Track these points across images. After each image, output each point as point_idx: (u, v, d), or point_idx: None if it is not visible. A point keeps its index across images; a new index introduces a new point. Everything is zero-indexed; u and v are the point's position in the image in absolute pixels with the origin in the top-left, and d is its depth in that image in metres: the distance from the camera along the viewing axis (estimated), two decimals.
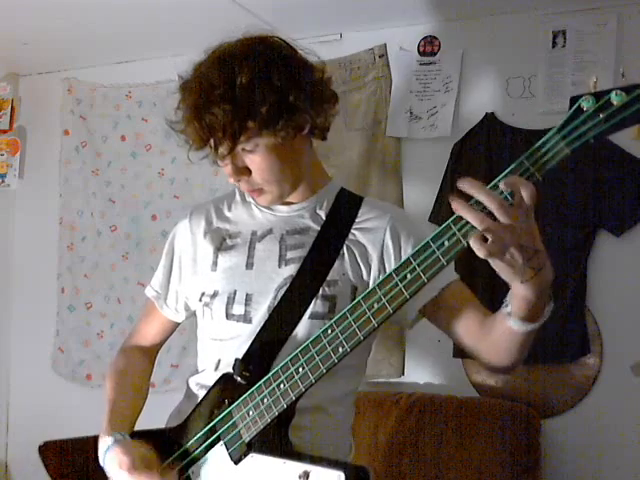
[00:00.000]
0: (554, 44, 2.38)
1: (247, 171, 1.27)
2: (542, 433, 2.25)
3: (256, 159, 1.25)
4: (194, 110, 1.22)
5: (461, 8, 2.43)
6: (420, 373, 2.49)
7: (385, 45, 2.57)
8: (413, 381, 2.47)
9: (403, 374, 2.49)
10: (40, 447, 1.41)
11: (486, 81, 2.48)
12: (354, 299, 1.28)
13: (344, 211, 1.36)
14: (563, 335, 2.28)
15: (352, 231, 1.33)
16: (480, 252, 0.95)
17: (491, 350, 1.22)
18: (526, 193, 0.94)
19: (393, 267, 1.08)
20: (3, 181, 3.16)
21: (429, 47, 2.54)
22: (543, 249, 0.98)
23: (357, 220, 1.34)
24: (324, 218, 1.35)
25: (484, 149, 2.39)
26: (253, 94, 1.19)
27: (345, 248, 1.31)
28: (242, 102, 1.19)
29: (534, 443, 2.20)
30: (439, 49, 2.53)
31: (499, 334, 1.16)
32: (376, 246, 1.31)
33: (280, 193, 1.32)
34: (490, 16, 2.44)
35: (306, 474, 1.13)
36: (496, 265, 0.98)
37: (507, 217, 0.93)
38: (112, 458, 1.25)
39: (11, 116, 3.12)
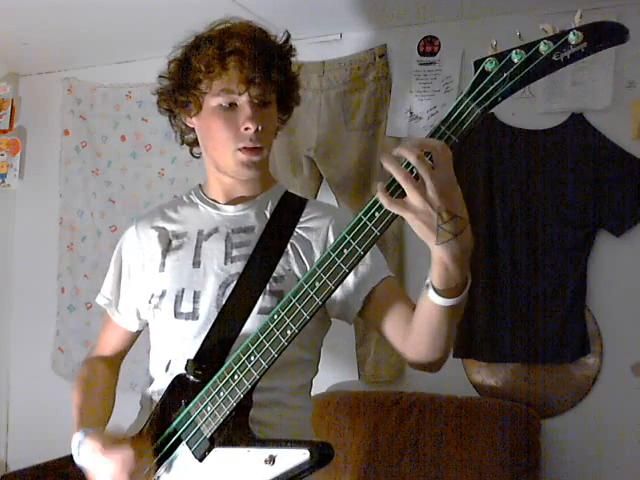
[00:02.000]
0: None
1: (261, 121, 1.32)
2: (542, 433, 2.25)
3: (268, 113, 1.34)
4: (245, 52, 1.30)
5: (461, 8, 2.42)
6: (420, 373, 2.47)
7: (385, 45, 2.57)
8: (413, 381, 2.47)
9: (403, 374, 2.49)
10: None
11: None
12: None
13: (289, 211, 1.40)
14: (563, 335, 2.29)
15: (296, 229, 1.36)
16: (390, 206, 0.96)
17: (416, 338, 1.21)
18: (442, 152, 0.95)
19: None
20: (3, 181, 3.16)
21: (429, 47, 2.54)
22: (465, 216, 0.98)
23: (301, 220, 1.37)
24: (269, 217, 1.38)
25: (484, 149, 2.38)
26: (288, 52, 1.38)
27: (289, 245, 1.34)
28: (283, 55, 1.36)
29: (534, 443, 2.20)
30: (439, 49, 2.52)
31: (421, 316, 1.15)
32: (319, 243, 1.34)
33: (267, 156, 1.38)
34: (490, 16, 2.44)
35: (272, 458, 1.13)
36: (412, 223, 0.97)
37: (425, 171, 0.93)
38: (85, 449, 1.26)
39: (11, 116, 3.12)
